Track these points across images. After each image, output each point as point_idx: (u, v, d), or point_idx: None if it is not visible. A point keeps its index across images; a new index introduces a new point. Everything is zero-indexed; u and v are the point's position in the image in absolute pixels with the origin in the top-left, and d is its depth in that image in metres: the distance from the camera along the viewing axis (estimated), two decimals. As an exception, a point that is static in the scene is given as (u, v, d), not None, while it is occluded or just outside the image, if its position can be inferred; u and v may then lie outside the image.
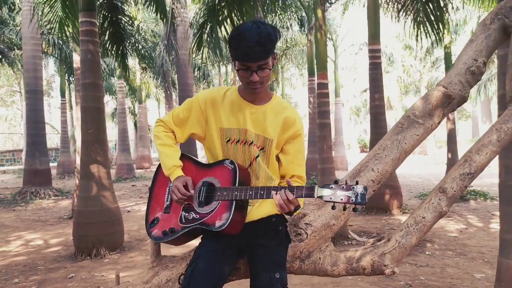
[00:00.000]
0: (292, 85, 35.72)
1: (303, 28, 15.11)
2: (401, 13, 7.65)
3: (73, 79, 13.46)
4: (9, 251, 5.94)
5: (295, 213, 1.80)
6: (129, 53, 11.11)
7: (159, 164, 2.04)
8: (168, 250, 3.06)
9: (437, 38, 6.74)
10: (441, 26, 6.64)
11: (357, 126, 45.02)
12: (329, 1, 9.51)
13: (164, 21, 14.88)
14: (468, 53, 2.23)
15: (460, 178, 1.97)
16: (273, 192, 1.67)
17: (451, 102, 2.13)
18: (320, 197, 1.59)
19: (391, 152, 2.05)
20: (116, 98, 21.67)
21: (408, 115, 2.13)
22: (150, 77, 20.64)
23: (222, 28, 6.67)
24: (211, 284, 1.76)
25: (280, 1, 8.18)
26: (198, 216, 1.83)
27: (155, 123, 2.05)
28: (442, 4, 6.37)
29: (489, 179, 13.37)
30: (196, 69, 17.53)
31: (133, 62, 19.18)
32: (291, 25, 14.68)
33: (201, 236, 1.95)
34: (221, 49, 7.13)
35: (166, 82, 12.54)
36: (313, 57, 14.01)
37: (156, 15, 7.65)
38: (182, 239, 1.93)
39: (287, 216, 1.98)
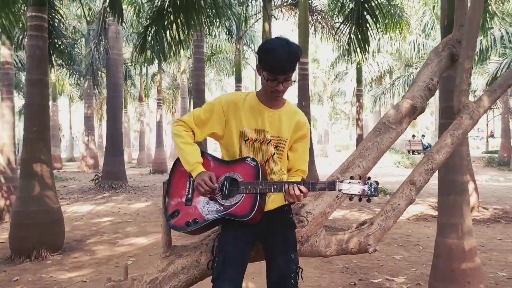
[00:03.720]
0: (210, 90, 36.11)
1: (230, 37, 15.61)
2: (324, 30, 8.66)
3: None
4: None
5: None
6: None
7: (177, 160, 2.25)
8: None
9: (363, 55, 7.69)
10: (366, 45, 7.58)
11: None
12: (275, 17, 10.05)
13: (89, 18, 14.47)
14: (426, 74, 2.77)
15: (425, 173, 2.45)
16: (292, 187, 1.98)
17: (415, 112, 2.62)
18: (340, 190, 1.95)
19: (372, 152, 2.49)
20: (24, 94, 20.30)
21: (383, 122, 2.58)
22: (66, 74, 19.74)
23: (167, 33, 6.85)
24: (241, 268, 2.05)
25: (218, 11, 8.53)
26: (222, 208, 2.07)
27: (175, 122, 2.25)
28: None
29: (382, 177, 14.93)
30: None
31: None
32: (219, 33, 15.11)
33: (220, 226, 2.20)
34: (165, 52, 7.26)
35: (95, 81, 12.21)
36: (241, 65, 14.62)
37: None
38: (204, 229, 2.16)
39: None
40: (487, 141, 29.96)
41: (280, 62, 1.98)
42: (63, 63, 17.50)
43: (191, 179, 2.17)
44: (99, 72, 12.91)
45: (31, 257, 5.28)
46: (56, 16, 8.80)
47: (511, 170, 18.49)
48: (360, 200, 1.97)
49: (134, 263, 5.13)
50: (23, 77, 20.92)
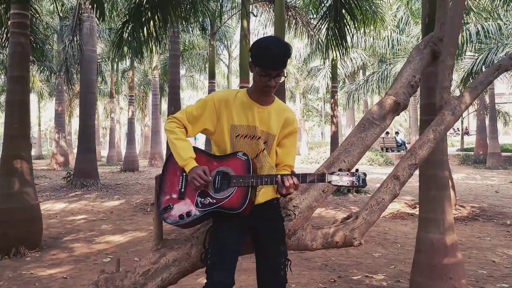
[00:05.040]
0: (180, 86, 35.72)
1: (203, 33, 15.55)
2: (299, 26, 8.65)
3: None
4: None
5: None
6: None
7: (169, 155, 2.30)
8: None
9: (340, 51, 7.79)
10: (343, 42, 7.68)
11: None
12: (254, 14, 10.08)
13: (62, 14, 14.14)
14: (408, 71, 2.86)
15: (409, 168, 2.55)
16: (289, 177, 2.06)
17: (398, 108, 2.71)
18: (330, 182, 2.03)
19: (357, 147, 2.57)
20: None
21: (368, 118, 2.66)
22: (37, 70, 19.23)
23: (144, 29, 6.80)
24: (234, 258, 2.12)
25: (189, 7, 8.54)
26: (215, 201, 2.13)
27: (167, 119, 2.30)
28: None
29: None
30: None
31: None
32: (192, 29, 15.02)
33: (212, 219, 2.24)
34: (142, 48, 7.20)
35: (68, 77, 11.97)
36: (214, 61, 14.60)
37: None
38: (196, 222, 2.21)
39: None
40: (462, 138, 30.33)
41: (273, 59, 2.07)
42: (34, 59, 17.03)
43: (184, 174, 2.22)
44: (72, 69, 12.64)
45: (9, 255, 5.20)
46: (31, 12, 8.57)
47: (487, 168, 18.60)
48: (348, 191, 2.05)
49: (112, 260, 5.09)
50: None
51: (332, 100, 12.47)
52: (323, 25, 7.61)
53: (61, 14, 14.80)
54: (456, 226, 6.83)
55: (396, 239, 6.17)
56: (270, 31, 14.97)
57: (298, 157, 26.99)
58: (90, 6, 10.53)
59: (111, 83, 24.01)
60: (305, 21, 12.90)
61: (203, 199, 2.15)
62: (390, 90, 2.79)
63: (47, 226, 7.14)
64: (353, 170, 2.06)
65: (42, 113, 35.41)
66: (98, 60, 16.98)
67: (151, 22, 6.58)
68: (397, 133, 32.07)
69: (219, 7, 12.44)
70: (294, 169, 2.36)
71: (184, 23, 10.43)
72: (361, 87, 21.23)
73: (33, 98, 33.24)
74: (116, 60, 19.02)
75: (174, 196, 2.22)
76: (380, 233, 6.52)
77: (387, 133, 31.20)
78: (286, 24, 12.98)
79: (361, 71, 25.55)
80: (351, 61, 20.83)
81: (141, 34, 6.88)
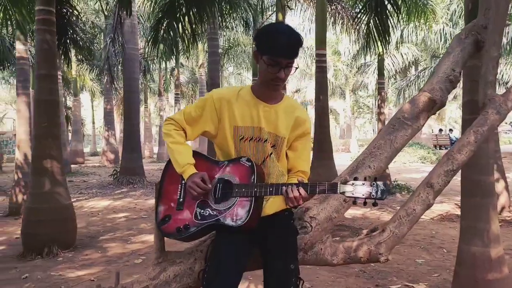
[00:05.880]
0: (229, 84, 36.07)
1: (247, 30, 15.38)
2: (345, 21, 8.26)
3: (14, 69, 12.64)
4: None
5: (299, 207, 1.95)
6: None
7: (168, 161, 2.08)
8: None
9: (382, 44, 7.34)
10: (386, 35, 7.24)
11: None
12: (289, 7, 9.82)
13: (106, 12, 14.46)
14: (447, 64, 2.50)
15: (445, 174, 2.21)
16: (295, 188, 1.79)
17: (434, 106, 2.37)
18: (343, 193, 1.74)
19: (384, 151, 2.25)
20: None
21: (398, 117, 2.34)
22: (87, 69, 19.89)
23: (180, 25, 6.69)
24: (236, 277, 1.83)
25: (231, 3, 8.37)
26: (214, 213, 1.89)
27: (165, 121, 2.09)
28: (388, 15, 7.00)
29: (407, 174, 14.50)
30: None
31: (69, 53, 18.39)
32: (236, 26, 14.91)
33: (215, 231, 2.01)
34: (178, 46, 7.12)
35: (111, 76, 12.18)
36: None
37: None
38: (196, 235, 1.98)
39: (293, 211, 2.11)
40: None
41: (283, 43, 1.81)
42: (83, 59, 17.61)
43: (183, 182, 2.00)
44: (116, 68, 12.85)
45: (42, 254, 5.24)
46: (70, 11, 8.75)
47: (547, 166, 17.46)
48: (365, 204, 1.75)
49: (143, 261, 5.01)
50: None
51: (379, 96, 11.90)
52: (364, 18, 7.18)
53: (106, 13, 15.10)
54: (508, 230, 6.27)
55: (443, 243, 5.72)
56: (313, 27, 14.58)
57: (348, 154, 26.34)
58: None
59: (160, 81, 24.42)
60: (349, 16, 12.39)
61: (202, 210, 1.92)
62: (425, 86, 2.45)
63: (87, 224, 7.27)
64: (372, 179, 1.76)
65: (96, 111, 36.75)
66: (146, 59, 17.23)
67: (186, 18, 6.45)
68: (451, 130, 30.43)
69: (260, 2, 12.20)
70: (309, 175, 2.10)
71: (225, 19, 10.37)
72: (412, 83, 20.34)
73: (86, 96, 34.66)
74: (163, 58, 19.25)
75: (173, 206, 2.00)
76: (426, 236, 6.07)
77: (441, 130, 29.83)
78: (332, 19, 12.58)
79: (413, 66, 24.51)
80: (402, 56, 20.00)
81: (177, 31, 6.78)
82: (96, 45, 16.97)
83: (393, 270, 4.59)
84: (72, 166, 19.32)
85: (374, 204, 1.74)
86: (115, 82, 13.47)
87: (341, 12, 12.34)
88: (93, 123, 35.84)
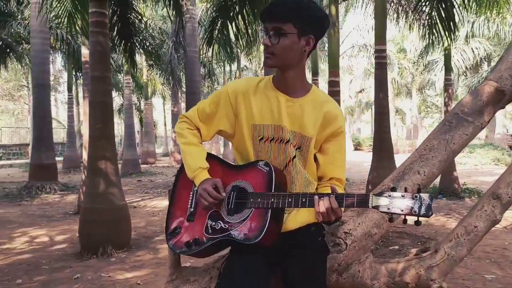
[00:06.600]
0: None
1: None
2: (408, 15, 7.65)
3: (80, 74, 13.32)
4: (13, 249, 5.78)
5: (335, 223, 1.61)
6: (136, 50, 11.01)
7: (182, 165, 1.82)
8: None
9: (448, 36, 6.70)
10: (452, 26, 6.60)
11: (351, 126, 44.89)
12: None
13: (172, 18, 14.81)
14: (520, 47, 2.04)
15: (517, 184, 1.77)
16: (317, 199, 1.47)
17: (502, 98, 1.93)
18: (376, 207, 1.39)
19: (438, 153, 1.86)
20: (122, 94, 21.64)
21: (456, 112, 1.93)
22: (157, 74, 20.56)
23: (233, 24, 6.54)
24: None
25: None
26: (226, 226, 1.61)
27: (179, 118, 1.84)
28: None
29: (478, 177, 13.28)
30: (202, 67, 17.42)
31: (140, 58, 19.14)
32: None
33: (230, 247, 1.74)
34: (231, 46, 6.97)
35: (173, 79, 12.36)
36: (317, 56, 13.91)
37: (169, 7, 7.48)
38: (208, 251, 1.71)
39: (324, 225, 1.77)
40: None
41: (269, 5, 1.54)
42: (153, 64, 18.19)
43: (195, 189, 1.73)
44: (179, 71, 13.09)
45: (97, 254, 5.30)
46: (134, 16, 8.96)
47: None
48: (404, 222, 1.38)
49: (191, 264, 4.89)
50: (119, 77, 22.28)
51: (446, 94, 10.99)
52: (426, 7, 6.54)
53: (172, 18, 15.47)
54: None
55: (518, 257, 5.02)
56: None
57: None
58: (191, 7, 10.74)
59: (224, 84, 24.75)
60: (413, 9, 11.57)
61: (214, 223, 1.64)
62: (491, 74, 2.01)
63: (146, 224, 7.35)
64: (415, 191, 1.38)
65: (167, 113, 38.17)
66: (211, 61, 17.46)
67: (239, 17, 6.27)
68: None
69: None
70: (344, 184, 1.75)
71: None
72: (484, 80, 18.70)
73: (158, 100, 36.14)
74: (218, 60, 19.46)
75: (183, 216, 1.75)
76: (498, 248, 5.36)
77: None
78: (395, 15, 11.86)
79: (485, 62, 22.63)
80: (473, 51, 18.50)
81: (231, 30, 6.63)
82: (164, 50, 17.47)
83: (457, 286, 4.05)
84: (143, 166, 20.08)
85: (417, 223, 1.37)
86: (176, 85, 13.67)
87: (404, 6, 11.57)
88: (165, 125, 37.23)
